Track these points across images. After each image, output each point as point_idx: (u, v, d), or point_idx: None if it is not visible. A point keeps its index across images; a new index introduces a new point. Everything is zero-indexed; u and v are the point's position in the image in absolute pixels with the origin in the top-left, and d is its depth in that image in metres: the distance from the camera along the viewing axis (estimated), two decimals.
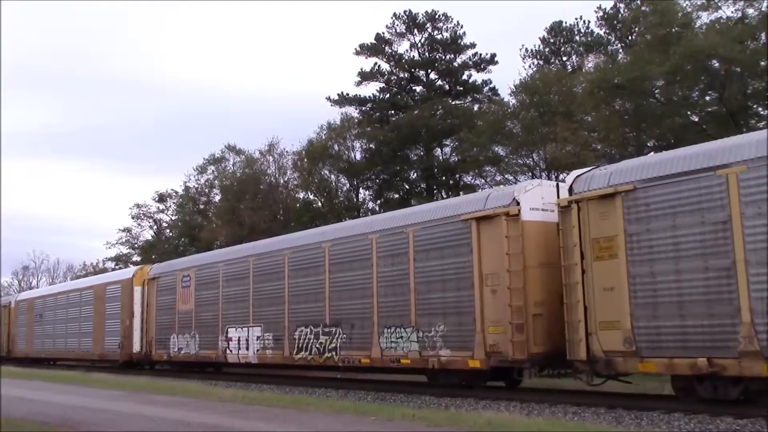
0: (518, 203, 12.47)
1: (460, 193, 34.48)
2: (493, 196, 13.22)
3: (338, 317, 15.90)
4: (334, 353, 15.84)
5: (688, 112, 26.04)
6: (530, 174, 32.04)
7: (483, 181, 36.15)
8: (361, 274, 15.44)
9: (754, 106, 24.99)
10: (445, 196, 35.18)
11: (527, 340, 11.92)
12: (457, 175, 38.09)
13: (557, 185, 13.00)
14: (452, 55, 41.03)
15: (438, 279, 13.65)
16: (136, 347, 23.83)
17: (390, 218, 15.65)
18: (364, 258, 15.46)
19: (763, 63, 22.70)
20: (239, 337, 19.12)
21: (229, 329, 19.57)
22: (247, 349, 18.67)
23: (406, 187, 40.26)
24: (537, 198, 12.74)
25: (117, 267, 56.35)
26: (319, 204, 41.26)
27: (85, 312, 28.16)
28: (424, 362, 13.83)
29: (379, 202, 40.23)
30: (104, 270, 58.48)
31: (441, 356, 13.46)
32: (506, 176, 33.63)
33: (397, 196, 39.55)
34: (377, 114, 41.14)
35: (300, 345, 16.89)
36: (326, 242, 16.56)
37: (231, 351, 19.43)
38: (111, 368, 25.09)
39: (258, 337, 18.37)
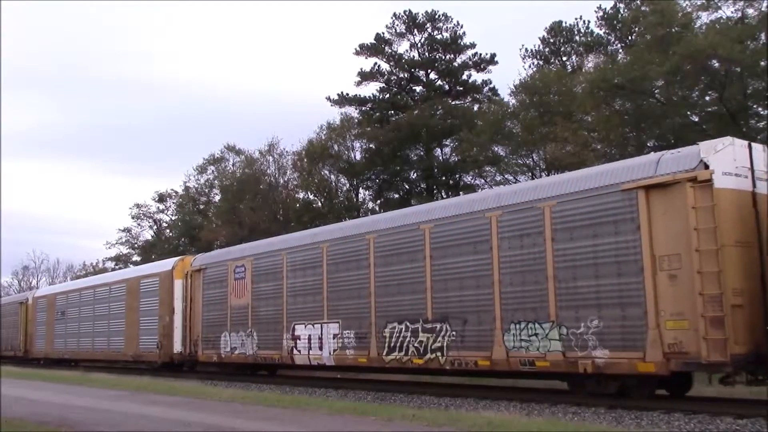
0: (707, 166, 10.07)
1: (460, 193, 34.48)
2: (668, 159, 10.77)
3: (444, 311, 13.43)
4: (439, 354, 13.38)
5: (688, 112, 26.04)
6: (530, 174, 32.05)
7: (483, 181, 36.19)
8: (476, 259, 12.97)
9: (754, 106, 25.00)
10: (444, 196, 35.18)
11: (728, 338, 9.55)
12: (457, 175, 38.11)
13: (749, 145, 10.75)
14: (452, 55, 41.05)
15: (588, 263, 11.20)
16: (177, 347, 21.47)
17: (516, 192, 13.13)
18: (479, 240, 12.95)
19: (763, 63, 22.70)
20: (310, 336, 16.60)
21: (296, 326, 17.05)
22: (321, 349, 16.16)
23: (406, 187, 40.28)
24: (729, 160, 10.33)
25: (117, 267, 56.36)
26: (319, 204, 41.27)
27: (115, 308, 25.59)
28: (570, 365, 11.36)
29: (378, 202, 40.26)
30: (104, 270, 58.50)
31: (596, 358, 10.97)
32: (506, 176, 33.64)
33: (397, 196, 39.57)
34: (377, 114, 41.15)
35: (392, 344, 14.39)
36: (427, 223, 14.05)
37: (299, 351, 16.91)
38: (147, 370, 23.02)
39: (335, 335, 15.83)
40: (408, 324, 14.16)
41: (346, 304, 15.71)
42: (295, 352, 17.10)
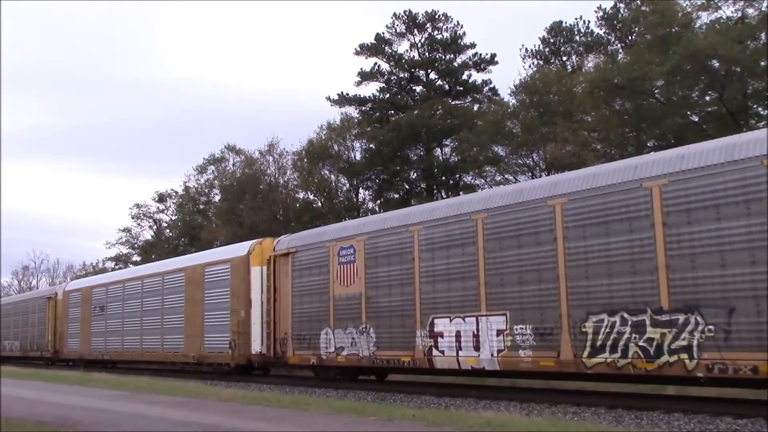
0: None
1: (460, 193, 34.51)
2: None
3: (691, 297, 9.83)
4: (686, 355, 9.79)
5: (688, 112, 26.07)
6: (530, 174, 32.08)
7: (483, 181, 36.21)
8: (748, 225, 9.33)
9: (754, 106, 25.04)
10: (444, 197, 35.20)
11: None
12: (457, 175, 38.12)
13: None
14: (452, 55, 41.07)
15: None
16: (257, 346, 18.03)
17: None
18: (755, 198, 9.30)
19: (763, 63, 22.74)
20: (458, 332, 13.03)
21: (436, 320, 13.45)
22: (477, 348, 12.65)
23: (406, 187, 40.29)
24: None
25: (117, 267, 56.36)
26: (319, 204, 41.30)
27: (171, 302, 21.97)
28: None
29: (378, 202, 40.27)
30: (104, 270, 58.51)
31: None
32: (506, 176, 33.67)
33: (397, 196, 39.59)
34: (377, 114, 41.17)
35: (597, 342, 10.94)
36: (654, 179, 10.36)
37: (441, 352, 13.32)
38: (215, 374, 19.94)
39: (500, 331, 12.28)
40: (626, 316, 10.66)
41: (518, 291, 12.14)
42: (435, 353, 13.38)
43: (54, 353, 30.09)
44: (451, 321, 13.25)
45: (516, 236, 12.19)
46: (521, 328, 12.09)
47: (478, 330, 12.74)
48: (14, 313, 35.59)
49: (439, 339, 13.44)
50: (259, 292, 18.20)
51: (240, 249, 19.51)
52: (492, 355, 12.45)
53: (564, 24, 37.64)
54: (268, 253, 18.25)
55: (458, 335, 13.10)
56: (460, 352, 13.03)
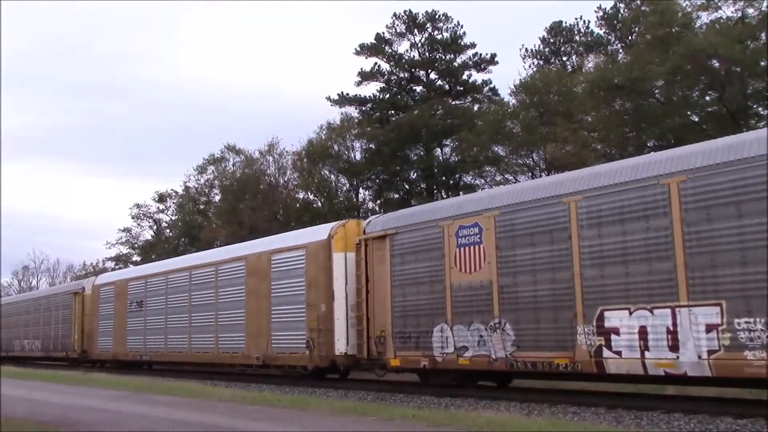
0: None
1: (460, 193, 34.52)
2: None
3: None
4: None
5: (688, 112, 26.08)
6: (530, 174, 32.08)
7: (483, 181, 36.22)
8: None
9: (754, 106, 25.04)
10: (445, 197, 35.21)
11: None
12: (457, 175, 38.12)
13: None
14: (452, 55, 41.07)
15: None
16: (341, 346, 15.42)
17: None
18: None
19: (763, 63, 22.74)
20: (643, 327, 10.34)
21: (607, 313, 10.83)
22: (675, 349, 9.90)
23: (406, 187, 40.30)
24: None
25: (117, 267, 56.37)
26: (319, 204, 41.30)
27: (227, 295, 19.26)
28: None
29: (378, 202, 40.28)
30: (104, 270, 58.54)
31: None
32: (506, 176, 33.68)
33: (397, 196, 39.60)
34: (377, 114, 41.17)
35: None
36: None
37: (616, 353, 10.61)
38: (285, 378, 17.64)
39: (710, 327, 9.55)
40: None
41: (740, 274, 9.31)
42: (607, 354, 10.72)
43: (81, 353, 27.65)
44: (631, 314, 10.48)
45: (736, 203, 9.29)
46: (746, 322, 9.31)
47: (675, 325, 9.94)
48: (34, 311, 33.27)
49: (613, 337, 10.67)
50: (343, 282, 15.56)
51: (318, 233, 16.74)
52: (699, 357, 9.66)
53: (564, 24, 37.69)
54: (355, 237, 15.64)
55: (643, 332, 10.36)
56: (647, 354, 10.21)
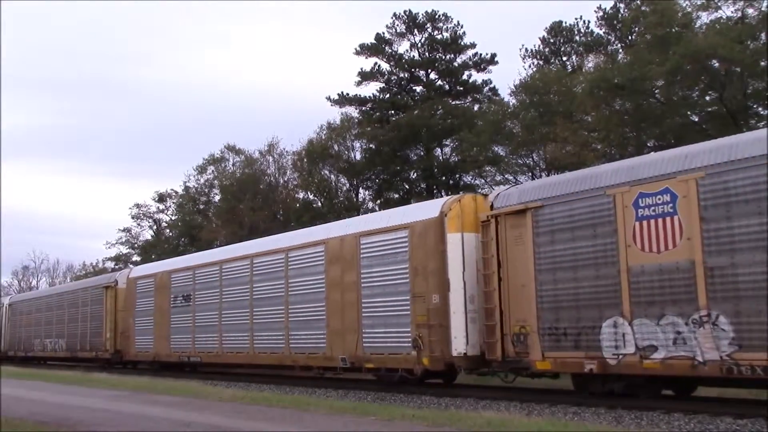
0: None
1: (460, 193, 34.49)
2: None
3: None
4: None
5: (688, 112, 26.07)
6: (530, 174, 32.08)
7: (483, 181, 36.21)
8: None
9: (754, 106, 25.04)
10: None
11: None
12: (457, 175, 38.11)
13: None
14: (452, 55, 41.04)
15: None
16: (460, 345, 12.91)
17: None
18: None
19: (763, 63, 22.73)
20: None
21: None
22: None
23: (406, 187, 40.28)
24: None
25: (118, 267, 56.36)
26: (319, 204, 41.30)
27: (303, 286, 16.63)
28: None
29: (379, 202, 40.28)
30: (104, 270, 58.51)
31: None
32: (506, 176, 33.67)
33: (397, 196, 39.59)
34: (377, 114, 41.14)
35: None
36: None
37: None
38: (384, 384, 15.05)
39: None
40: None
41: None
42: None
43: (114, 353, 25.36)
44: None
45: None
46: None
47: None
48: (57, 307, 30.93)
49: None
50: (460, 268, 13.13)
51: (426, 210, 14.21)
52: None
53: (564, 24, 37.62)
54: (479, 214, 13.35)
55: None
56: None
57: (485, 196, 13.86)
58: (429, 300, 13.40)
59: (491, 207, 13.02)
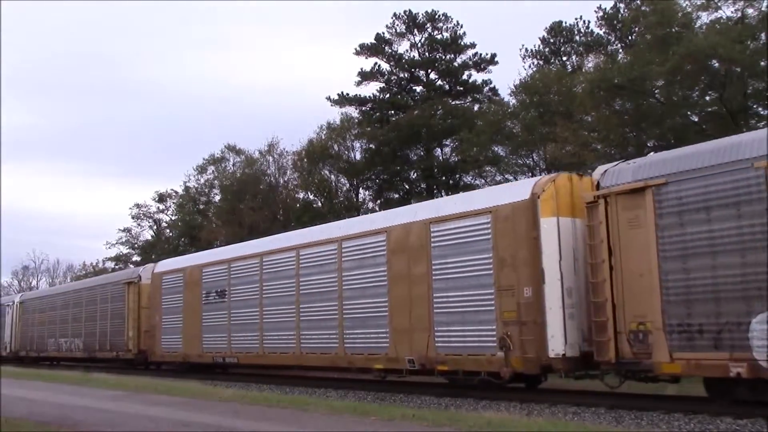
0: None
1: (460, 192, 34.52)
2: None
3: None
4: None
5: (688, 112, 26.07)
6: (530, 174, 32.09)
7: (483, 181, 36.21)
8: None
9: (754, 106, 25.05)
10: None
11: None
12: (457, 175, 38.12)
13: None
14: (452, 55, 41.06)
15: None
16: (557, 345, 11.31)
17: None
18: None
19: (763, 63, 22.73)
20: None
21: None
22: None
23: (406, 187, 40.29)
24: None
25: (118, 267, 56.35)
26: (319, 204, 41.30)
27: (358, 279, 15.19)
28: None
29: (379, 202, 40.28)
30: (104, 270, 58.50)
31: None
32: (506, 176, 33.68)
33: (397, 196, 39.60)
34: (377, 114, 41.16)
35: None
36: None
37: None
38: (456, 386, 13.75)
39: None
40: None
41: None
42: None
43: (138, 354, 23.82)
44: None
45: None
46: None
47: None
48: (73, 305, 29.41)
49: None
50: (556, 257, 11.59)
51: (513, 192, 12.64)
52: None
53: (564, 24, 37.63)
54: (577, 195, 12.00)
55: None
56: None
57: (580, 175, 12.57)
58: (519, 294, 11.90)
59: (597, 186, 11.37)
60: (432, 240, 13.54)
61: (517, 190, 12.62)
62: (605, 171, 11.48)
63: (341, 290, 15.46)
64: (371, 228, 15.20)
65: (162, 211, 58.03)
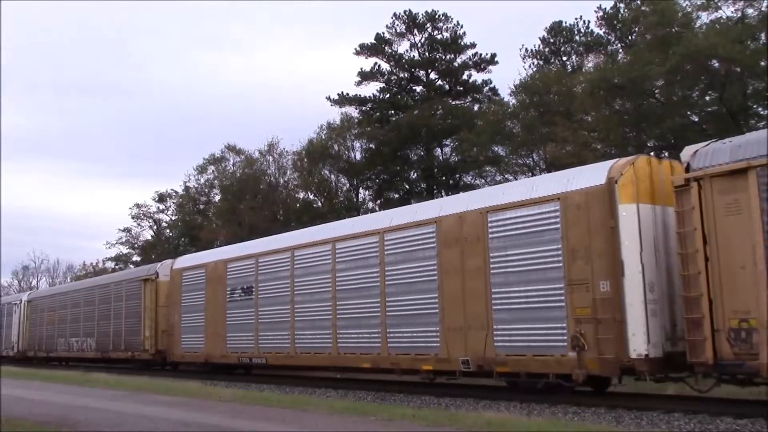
0: None
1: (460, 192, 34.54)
2: None
3: None
4: None
5: (688, 112, 26.08)
6: (530, 174, 32.10)
7: (483, 181, 36.22)
8: None
9: (754, 106, 25.06)
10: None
11: None
12: (457, 175, 38.14)
13: None
14: (452, 55, 41.10)
15: None
16: (639, 345, 10.26)
17: None
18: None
19: (763, 63, 22.74)
20: None
21: None
22: None
23: (406, 187, 40.33)
24: None
25: (118, 267, 56.37)
26: (319, 204, 41.31)
27: (402, 273, 14.03)
28: None
29: (379, 202, 40.30)
30: (104, 270, 58.50)
31: None
32: (506, 176, 33.70)
33: (397, 196, 39.61)
34: (377, 114, 41.20)
35: None
36: None
37: None
38: (519, 391, 12.31)
39: None
40: None
41: None
42: None
43: (156, 354, 22.81)
44: None
45: None
46: None
47: None
48: (85, 303, 28.30)
49: None
50: (636, 248, 10.55)
51: (587, 176, 11.45)
52: None
53: (564, 24, 37.69)
54: (662, 179, 11.02)
55: None
56: None
57: (659, 158, 11.75)
58: (594, 288, 10.83)
59: (686, 168, 10.17)
60: (489, 230, 12.45)
61: (589, 174, 11.42)
62: (695, 152, 10.26)
63: (383, 286, 14.37)
64: (418, 219, 14.09)
65: (162, 211, 58.13)
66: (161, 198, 56.80)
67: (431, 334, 13.30)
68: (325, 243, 16.18)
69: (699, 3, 24.87)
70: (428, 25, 40.76)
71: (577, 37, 37.56)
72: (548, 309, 11.40)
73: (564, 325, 11.11)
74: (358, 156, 40.58)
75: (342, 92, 41.62)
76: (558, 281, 11.31)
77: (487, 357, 12.23)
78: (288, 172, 44.90)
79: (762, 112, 24.90)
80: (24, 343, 33.85)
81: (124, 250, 59.66)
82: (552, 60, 37.92)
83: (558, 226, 11.41)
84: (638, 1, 30.43)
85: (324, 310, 15.87)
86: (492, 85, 40.64)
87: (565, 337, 11.05)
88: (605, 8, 34.59)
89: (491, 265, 12.32)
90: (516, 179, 32.06)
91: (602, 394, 11.83)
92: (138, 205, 58.04)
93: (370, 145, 39.50)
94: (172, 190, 56.25)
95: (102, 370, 23.66)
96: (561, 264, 11.28)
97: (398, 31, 40.93)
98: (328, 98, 41.91)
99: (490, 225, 12.46)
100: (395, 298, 14.11)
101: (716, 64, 23.53)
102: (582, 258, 11.02)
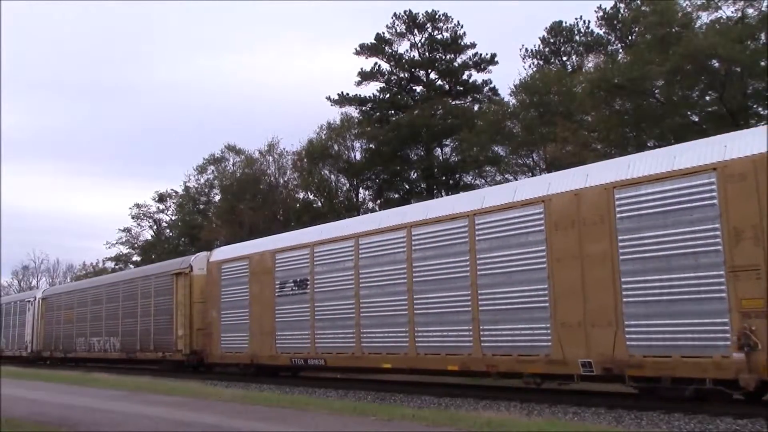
0: None
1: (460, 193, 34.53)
2: None
3: None
4: None
5: (688, 112, 26.09)
6: (530, 174, 32.10)
7: (483, 181, 36.23)
8: None
9: (754, 106, 25.06)
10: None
11: None
12: (457, 175, 38.14)
13: None
14: (452, 55, 41.12)
15: None
16: None
17: None
18: None
19: (763, 63, 22.75)
20: None
21: None
22: None
23: (406, 187, 40.33)
24: None
25: (118, 267, 56.36)
26: (319, 204, 41.32)
27: (500, 263, 12.32)
28: None
29: (379, 202, 40.30)
30: (104, 270, 58.49)
31: None
32: (506, 176, 33.71)
33: (397, 196, 39.61)
34: (377, 114, 41.20)
35: None
36: None
37: None
38: (654, 399, 10.58)
39: None
40: None
41: None
42: None
43: (190, 354, 20.78)
44: None
45: None
46: None
47: None
48: (108, 300, 26.35)
49: None
50: None
51: (749, 141, 9.64)
52: None
53: (564, 24, 37.70)
54: None
55: None
56: None
57: None
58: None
59: None
60: (617, 209, 10.70)
61: (751, 139, 9.61)
62: None
63: (474, 276, 12.65)
64: (519, 198, 12.26)
65: (162, 211, 58.15)
66: (161, 198, 56.86)
67: (539, 332, 11.61)
68: (398, 229, 14.41)
69: (699, 3, 24.90)
70: (428, 25, 40.78)
71: (577, 37, 37.58)
72: (701, 301, 9.69)
73: (725, 320, 9.38)
74: (358, 156, 40.63)
75: (342, 92, 41.69)
76: (715, 267, 9.58)
77: (617, 358, 10.43)
78: (288, 172, 44.95)
79: (762, 112, 24.90)
80: (39, 343, 32.01)
81: (124, 250, 59.74)
82: (552, 60, 37.93)
83: (714, 201, 9.67)
84: (638, 1, 30.45)
85: (399, 305, 14.14)
86: (492, 85, 40.72)
87: (728, 335, 9.34)
88: (605, 8, 34.65)
89: (620, 251, 10.62)
90: (516, 180, 32.08)
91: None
92: (138, 205, 58.12)
93: (370, 145, 39.51)
94: (172, 190, 56.37)
95: (128, 372, 22.55)
96: (719, 247, 9.55)
97: (398, 31, 40.97)
98: (328, 98, 41.96)
99: (618, 203, 10.73)
100: (489, 290, 12.43)
101: (716, 64, 23.54)
102: (749, 239, 9.25)
